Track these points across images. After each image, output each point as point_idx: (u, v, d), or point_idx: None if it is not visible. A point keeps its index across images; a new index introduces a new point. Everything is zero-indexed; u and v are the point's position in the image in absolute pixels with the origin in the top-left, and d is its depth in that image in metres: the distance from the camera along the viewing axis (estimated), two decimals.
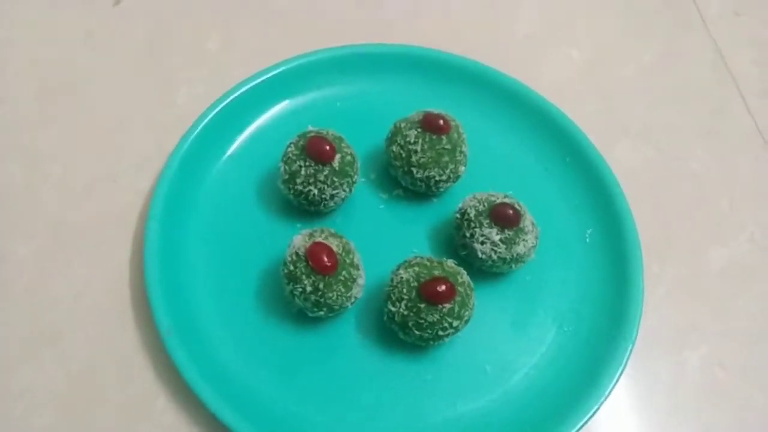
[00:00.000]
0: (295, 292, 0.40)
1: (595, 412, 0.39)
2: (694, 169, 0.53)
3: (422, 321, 0.39)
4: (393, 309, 0.40)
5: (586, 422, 0.39)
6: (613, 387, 0.40)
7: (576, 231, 0.48)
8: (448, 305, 0.39)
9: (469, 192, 0.45)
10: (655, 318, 0.45)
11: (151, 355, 0.42)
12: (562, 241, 0.47)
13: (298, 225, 0.46)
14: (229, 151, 0.49)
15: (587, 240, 0.47)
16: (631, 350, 0.41)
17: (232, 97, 0.49)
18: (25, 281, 0.44)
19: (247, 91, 0.50)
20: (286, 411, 0.40)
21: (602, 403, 0.40)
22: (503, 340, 0.44)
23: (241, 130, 0.50)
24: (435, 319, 0.39)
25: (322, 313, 0.40)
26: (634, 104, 0.56)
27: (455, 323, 0.39)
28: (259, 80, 0.50)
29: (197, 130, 0.47)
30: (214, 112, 0.48)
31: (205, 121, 0.48)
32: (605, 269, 0.46)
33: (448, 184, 0.47)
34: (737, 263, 0.49)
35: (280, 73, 0.51)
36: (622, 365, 0.41)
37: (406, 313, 0.39)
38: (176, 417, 0.40)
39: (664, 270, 0.48)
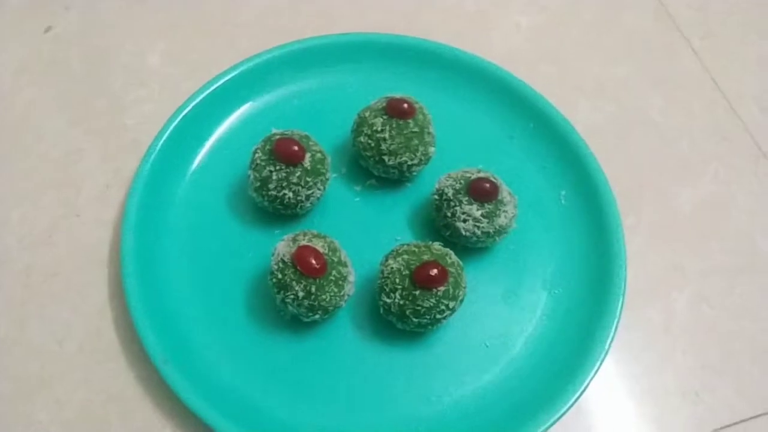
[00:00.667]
0: (287, 300, 0.39)
1: (599, 367, 0.40)
2: (652, 117, 0.55)
3: (419, 307, 0.39)
4: (388, 300, 0.40)
5: (592, 377, 0.40)
6: (611, 340, 0.41)
7: (550, 194, 0.48)
8: (442, 288, 0.39)
9: (440, 172, 0.45)
10: (638, 267, 0.47)
11: (149, 387, 0.41)
12: (539, 207, 0.48)
13: (276, 231, 0.46)
14: (193, 167, 0.48)
15: (563, 202, 0.48)
16: (622, 302, 0.42)
17: (186, 110, 0.47)
18: (1, 333, 0.42)
19: (201, 101, 0.48)
20: (295, 420, 0.40)
21: (604, 357, 0.40)
22: (497, 312, 0.44)
23: (201, 143, 0.48)
24: (432, 304, 0.39)
25: (317, 316, 0.40)
26: (585, 63, 0.57)
27: (451, 304, 0.39)
28: (212, 88, 0.49)
29: (156, 149, 0.46)
30: (171, 128, 0.47)
31: (163, 138, 0.46)
32: (584, 227, 0.47)
33: (420, 166, 0.46)
34: (707, 201, 0.50)
35: (232, 78, 0.49)
36: (617, 317, 0.42)
37: (402, 302, 0.39)
38: None
39: (640, 219, 0.49)
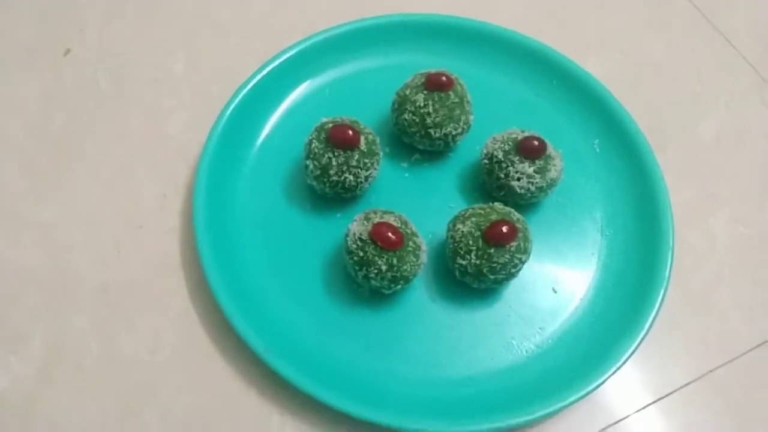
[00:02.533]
0: (369, 275, 0.41)
1: (664, 296, 0.43)
2: (658, 61, 0.58)
3: (495, 264, 0.41)
4: (463, 262, 0.42)
5: (659, 307, 0.43)
6: (670, 267, 0.44)
7: (584, 145, 0.51)
8: (514, 243, 0.41)
9: (478, 139, 0.48)
10: (674, 198, 0.50)
11: (251, 380, 0.42)
12: (576, 157, 0.51)
13: (338, 214, 0.47)
14: (246, 165, 0.49)
15: (597, 150, 0.51)
16: (673, 229, 0.46)
17: (226, 116, 0.48)
18: (94, 352, 0.43)
19: (241, 101, 0.49)
20: (387, 387, 0.42)
21: (666, 285, 0.44)
22: (561, 259, 0.47)
23: (252, 142, 0.50)
24: (506, 259, 0.41)
25: (399, 286, 0.42)
26: (586, 20, 0.60)
27: (524, 257, 0.42)
28: (247, 88, 0.50)
29: (209, 157, 0.47)
30: (219, 130, 0.48)
31: (212, 146, 0.47)
32: (622, 170, 0.50)
33: (463, 135, 0.49)
34: (724, 130, 0.54)
35: (269, 73, 0.51)
36: (671, 245, 0.45)
37: (478, 262, 0.41)
38: (294, 426, 0.41)
39: (667, 155, 0.52)
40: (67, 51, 0.55)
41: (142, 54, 0.56)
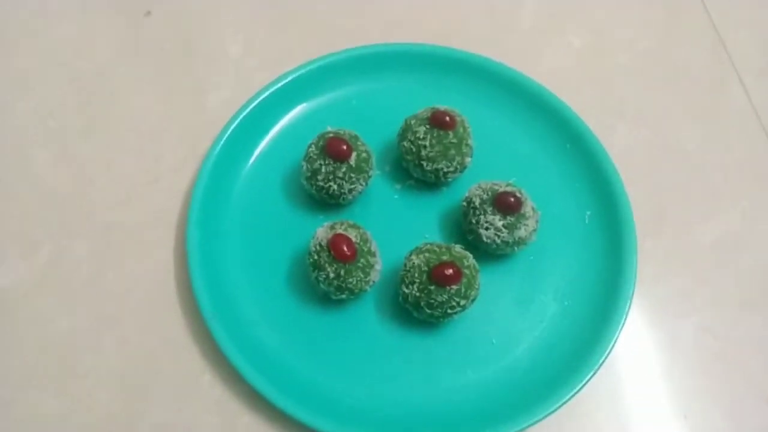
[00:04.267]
0: (319, 278, 0.45)
1: (591, 377, 0.44)
2: (688, 149, 0.57)
3: (433, 301, 0.44)
4: (407, 291, 0.45)
5: (583, 386, 0.44)
6: (608, 353, 0.45)
7: (576, 213, 0.52)
8: (455, 286, 0.43)
9: (476, 180, 0.50)
10: (648, 290, 0.50)
11: (196, 337, 0.48)
12: (563, 223, 0.51)
13: (321, 216, 0.51)
14: (256, 152, 0.54)
15: (586, 221, 0.51)
16: (624, 321, 0.46)
17: (256, 102, 0.54)
18: (84, 276, 0.50)
19: (269, 95, 0.54)
20: (314, 380, 0.45)
21: (598, 368, 0.44)
22: (508, 315, 0.48)
23: (266, 132, 0.55)
24: (444, 299, 0.44)
25: (344, 296, 0.45)
26: (629, 89, 0.60)
27: (462, 302, 0.44)
28: (279, 84, 0.55)
29: (227, 135, 0.52)
30: (241, 117, 0.53)
31: (234, 125, 0.53)
32: (602, 248, 0.50)
33: (456, 174, 0.51)
34: (728, 237, 0.52)
35: (299, 76, 0.55)
36: (617, 333, 0.45)
37: (418, 294, 0.44)
38: (222, 390, 0.46)
39: (658, 244, 0.52)
40: (148, 13, 0.63)
41: (208, 28, 0.62)
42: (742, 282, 0.51)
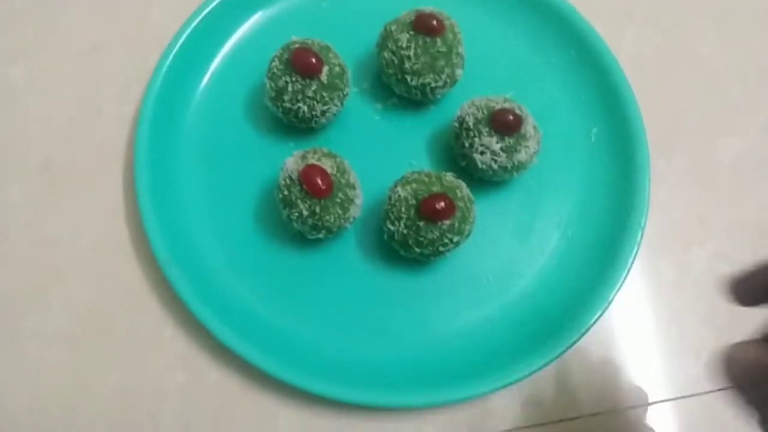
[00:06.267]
0: (291, 217, 0.39)
1: (598, 317, 0.39)
2: (703, 54, 0.50)
3: (422, 239, 0.38)
4: (392, 228, 0.39)
5: (591, 325, 0.39)
6: (617, 290, 0.40)
7: (581, 131, 0.46)
8: (447, 222, 0.38)
9: (468, 96, 0.43)
10: (661, 215, 0.45)
11: (155, 288, 0.42)
12: (567, 142, 0.46)
13: (291, 143, 0.45)
14: (212, 68, 0.47)
15: (592, 139, 0.46)
16: (636, 253, 0.41)
17: (206, 11, 0.46)
18: (21, 222, 0.44)
19: (221, 1, 0.46)
20: (290, 332, 0.40)
21: (606, 307, 0.40)
22: (505, 249, 0.43)
23: (222, 44, 0.47)
24: (435, 236, 0.38)
25: (320, 235, 0.40)
26: None
27: (455, 238, 0.39)
28: None
29: (176, 48, 0.45)
30: (190, 29, 0.45)
31: (183, 36, 0.45)
32: (610, 170, 0.44)
33: (445, 89, 0.44)
34: (749, 155, 0.47)
35: None
36: (627, 269, 0.41)
37: (405, 231, 0.38)
38: (186, 344, 0.41)
39: (672, 165, 0.46)
40: None
41: None
42: (764, 204, 0.46)
